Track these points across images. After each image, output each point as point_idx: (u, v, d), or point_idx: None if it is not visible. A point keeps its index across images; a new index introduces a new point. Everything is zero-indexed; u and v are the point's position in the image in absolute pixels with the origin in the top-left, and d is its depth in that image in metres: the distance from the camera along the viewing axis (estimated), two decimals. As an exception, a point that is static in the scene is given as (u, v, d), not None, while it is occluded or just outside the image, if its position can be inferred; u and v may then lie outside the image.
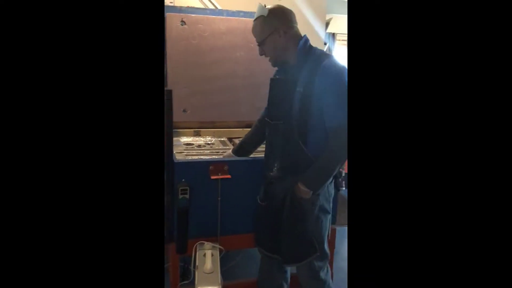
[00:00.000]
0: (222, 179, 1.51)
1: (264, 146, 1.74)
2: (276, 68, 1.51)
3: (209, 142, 2.17)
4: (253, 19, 1.39)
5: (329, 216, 1.42)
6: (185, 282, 1.55)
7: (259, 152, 1.78)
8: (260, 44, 1.38)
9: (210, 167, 1.50)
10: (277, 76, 1.44)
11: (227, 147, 2.07)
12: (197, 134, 2.26)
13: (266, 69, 2.26)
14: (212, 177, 1.49)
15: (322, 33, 2.67)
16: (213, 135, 2.26)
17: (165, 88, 1.44)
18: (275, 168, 1.37)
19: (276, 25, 1.35)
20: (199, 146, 2.09)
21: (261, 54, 1.42)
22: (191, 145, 2.09)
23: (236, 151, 1.69)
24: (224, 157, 1.69)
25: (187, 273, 1.68)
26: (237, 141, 2.21)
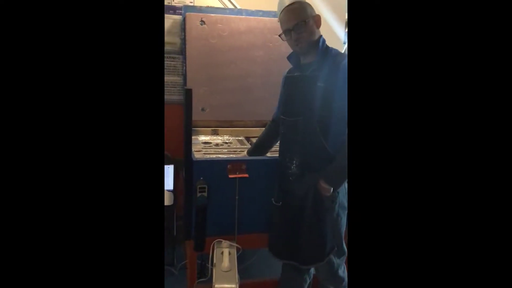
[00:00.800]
0: (240, 178, 1.51)
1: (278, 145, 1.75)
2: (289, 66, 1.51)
3: (227, 141, 2.18)
4: (290, 3, 1.35)
5: (346, 212, 1.42)
6: (202, 279, 1.56)
7: (275, 152, 1.78)
8: (299, 24, 1.32)
9: (228, 166, 1.51)
10: (296, 74, 1.43)
11: (245, 146, 2.08)
12: (215, 133, 2.28)
13: (283, 68, 2.26)
14: (230, 176, 1.50)
15: (341, 33, 2.63)
16: (231, 134, 2.27)
17: (185, 87, 1.45)
18: (294, 165, 1.36)
19: (315, 13, 1.37)
20: (217, 145, 2.10)
21: (295, 39, 1.34)
22: (209, 144, 2.10)
23: (251, 152, 1.69)
24: None
25: (204, 270, 1.70)
26: (254, 140, 2.22)
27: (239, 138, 2.24)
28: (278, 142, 1.68)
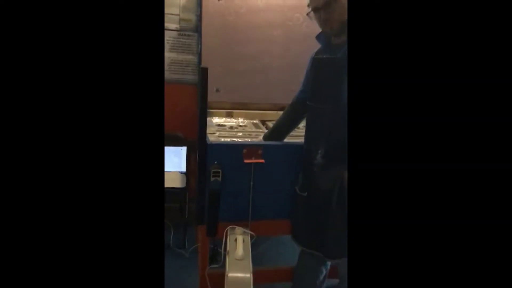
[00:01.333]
0: (255, 163, 1.45)
1: (298, 130, 1.67)
2: (316, 47, 1.40)
3: (242, 124, 2.11)
4: None
5: None
6: (214, 265, 1.53)
7: (293, 137, 1.71)
8: (329, 1, 1.19)
9: (244, 151, 1.44)
10: (324, 55, 1.32)
11: (260, 130, 2.01)
12: (229, 115, 2.21)
13: (303, 49, 2.14)
14: (246, 161, 1.43)
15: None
16: (246, 117, 2.20)
17: (201, 66, 1.38)
18: (319, 155, 1.28)
19: None
20: (231, 127, 2.04)
21: (324, 19, 1.22)
22: (223, 126, 2.04)
23: (267, 137, 1.61)
24: None
25: (216, 255, 1.66)
26: (270, 124, 2.14)
27: (254, 121, 2.17)
28: (298, 128, 1.61)
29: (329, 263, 1.50)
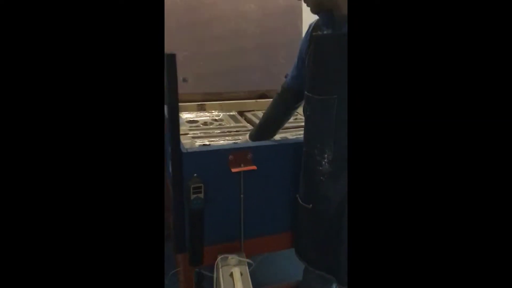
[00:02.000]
0: (245, 171, 1.16)
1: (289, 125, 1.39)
2: (312, 20, 1.11)
3: (217, 118, 1.80)
4: None
5: None
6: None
7: (285, 130, 1.43)
8: None
9: (230, 157, 1.14)
10: (324, 31, 1.03)
11: (240, 124, 1.71)
12: (201, 109, 1.89)
13: (281, 25, 1.86)
14: (233, 170, 1.14)
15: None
16: (221, 109, 1.89)
17: (166, 52, 1.04)
18: (325, 161, 1.01)
19: None
20: (205, 123, 1.72)
21: None
22: (195, 123, 1.72)
23: (254, 136, 1.32)
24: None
25: (202, 281, 1.37)
26: (249, 115, 1.85)
27: (231, 113, 1.87)
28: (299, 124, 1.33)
29: None
